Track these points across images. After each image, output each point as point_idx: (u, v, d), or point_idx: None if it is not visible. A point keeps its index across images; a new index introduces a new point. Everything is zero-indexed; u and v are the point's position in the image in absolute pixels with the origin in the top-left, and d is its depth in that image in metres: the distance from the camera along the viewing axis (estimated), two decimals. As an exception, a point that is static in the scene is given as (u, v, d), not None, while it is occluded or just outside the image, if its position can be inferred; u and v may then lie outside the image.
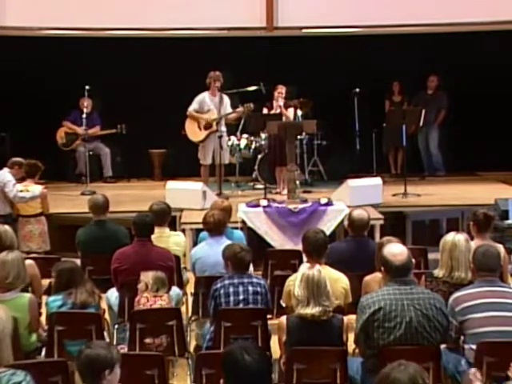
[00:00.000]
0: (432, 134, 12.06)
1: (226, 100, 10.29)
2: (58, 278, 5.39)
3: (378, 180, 9.72)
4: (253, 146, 11.18)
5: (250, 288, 5.38)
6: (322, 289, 4.65)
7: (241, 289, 5.37)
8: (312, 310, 4.61)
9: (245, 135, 11.24)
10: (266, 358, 3.37)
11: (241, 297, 5.34)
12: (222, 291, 5.35)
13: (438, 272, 5.24)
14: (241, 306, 5.33)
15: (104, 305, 6.11)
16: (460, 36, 11.50)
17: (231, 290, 5.36)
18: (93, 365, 3.57)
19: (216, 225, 6.34)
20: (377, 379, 3.22)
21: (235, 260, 5.46)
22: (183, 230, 8.38)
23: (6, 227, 6.13)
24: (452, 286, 5.10)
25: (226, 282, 5.39)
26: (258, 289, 5.40)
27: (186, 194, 9.27)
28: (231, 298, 5.34)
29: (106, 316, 5.97)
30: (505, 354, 4.44)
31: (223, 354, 3.39)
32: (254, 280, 5.47)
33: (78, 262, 6.53)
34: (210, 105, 10.20)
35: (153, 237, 6.23)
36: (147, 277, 5.51)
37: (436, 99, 11.90)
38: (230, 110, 10.27)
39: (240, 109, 10.23)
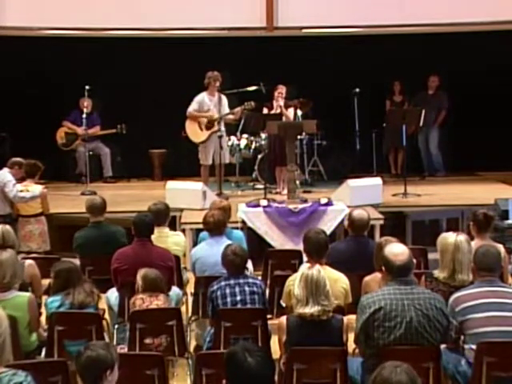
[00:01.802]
0: (432, 134, 12.06)
1: (225, 100, 10.29)
2: (56, 279, 5.38)
3: (378, 180, 9.71)
4: (253, 146, 11.19)
5: (247, 288, 5.39)
6: (321, 288, 4.65)
7: (237, 289, 5.37)
8: (311, 310, 4.61)
9: (245, 135, 11.24)
10: (269, 359, 3.36)
11: (238, 297, 5.35)
12: (218, 293, 5.36)
13: (439, 273, 5.22)
14: (239, 306, 5.33)
15: (104, 305, 6.11)
16: (460, 36, 11.49)
17: (228, 291, 5.36)
18: (95, 366, 3.58)
19: (216, 225, 6.35)
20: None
21: (227, 262, 5.49)
22: (183, 230, 8.39)
23: (8, 227, 6.13)
24: (452, 286, 5.09)
25: (223, 283, 5.40)
26: (255, 289, 5.41)
27: (186, 194, 9.27)
28: (228, 299, 5.34)
29: (106, 316, 5.97)
30: (505, 354, 4.45)
31: (226, 354, 3.38)
32: (250, 280, 5.48)
33: (78, 262, 6.55)
34: (210, 105, 10.20)
35: (152, 237, 6.23)
36: (139, 276, 5.47)
37: (436, 99, 11.89)
38: (227, 110, 10.26)
39: (237, 109, 10.23)
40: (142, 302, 5.38)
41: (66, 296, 5.25)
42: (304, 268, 5.04)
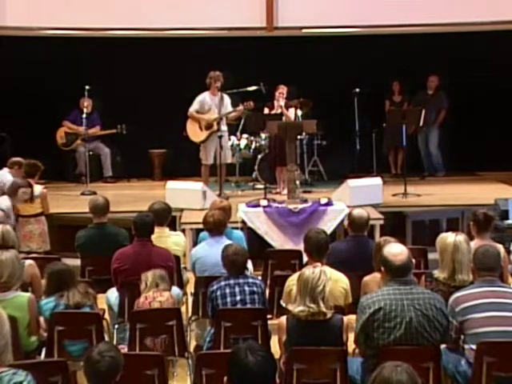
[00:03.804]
0: (432, 134, 12.06)
1: (227, 99, 10.29)
2: (49, 281, 5.34)
3: (378, 180, 9.71)
4: (253, 146, 11.20)
5: (247, 288, 5.38)
6: (319, 288, 4.61)
7: (237, 289, 5.37)
8: (305, 309, 4.59)
9: (245, 135, 11.26)
10: (271, 359, 3.36)
11: (238, 297, 5.34)
12: (218, 293, 5.35)
13: (439, 274, 5.22)
14: (238, 306, 5.33)
15: (104, 305, 6.11)
16: (460, 36, 11.49)
17: (228, 291, 5.36)
18: (114, 370, 3.65)
19: (216, 225, 6.35)
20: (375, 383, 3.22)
21: (228, 262, 5.48)
22: (183, 230, 8.39)
23: (8, 227, 6.13)
24: (452, 286, 5.09)
25: (222, 283, 5.40)
26: (255, 288, 5.41)
27: (186, 194, 9.27)
28: (228, 299, 5.33)
29: (106, 316, 5.97)
30: (505, 354, 4.46)
31: (230, 352, 3.39)
32: (250, 280, 5.47)
33: (78, 262, 6.55)
34: (211, 104, 10.20)
35: (153, 237, 6.23)
36: (146, 276, 5.50)
37: (436, 99, 11.90)
38: (230, 109, 10.26)
39: (240, 107, 10.22)
40: (145, 299, 5.38)
41: (60, 297, 5.22)
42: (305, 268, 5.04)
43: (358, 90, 11.26)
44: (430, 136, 12.07)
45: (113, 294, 6.03)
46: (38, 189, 8.27)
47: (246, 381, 3.26)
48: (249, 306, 5.34)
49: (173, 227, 7.92)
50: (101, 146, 11.98)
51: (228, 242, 6.05)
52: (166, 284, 5.52)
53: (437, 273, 5.25)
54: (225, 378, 3.33)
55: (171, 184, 9.69)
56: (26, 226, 8.10)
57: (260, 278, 6.29)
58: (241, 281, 5.40)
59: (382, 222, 8.72)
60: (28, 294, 5.29)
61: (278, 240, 8.44)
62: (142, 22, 10.95)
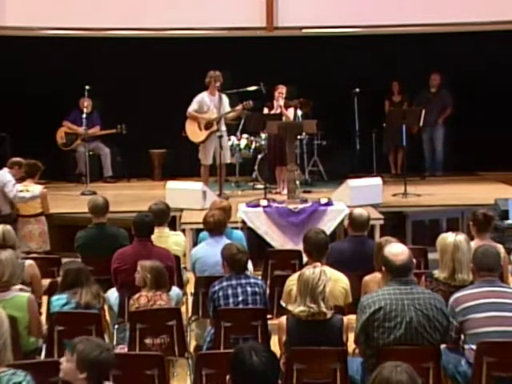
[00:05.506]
0: (437, 132, 12.05)
1: (225, 99, 10.28)
2: (65, 277, 5.37)
3: (378, 180, 9.71)
4: (253, 146, 11.20)
5: (249, 289, 5.37)
6: (319, 289, 4.60)
7: (239, 290, 5.35)
8: (306, 310, 4.59)
9: (245, 135, 11.26)
10: (275, 359, 3.36)
11: (240, 298, 5.34)
12: (220, 293, 5.34)
13: (439, 274, 5.22)
14: (240, 307, 5.32)
15: (104, 305, 6.11)
16: (460, 36, 11.49)
17: (230, 291, 5.34)
18: (111, 366, 3.67)
19: (216, 225, 6.35)
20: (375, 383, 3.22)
21: (232, 261, 5.46)
22: (183, 230, 8.39)
23: (8, 227, 6.13)
24: (453, 286, 5.09)
25: (224, 283, 5.38)
26: (257, 289, 5.40)
27: (186, 194, 9.28)
28: (230, 300, 5.32)
29: (106, 316, 5.97)
30: (505, 354, 4.45)
31: (232, 352, 3.39)
32: (252, 280, 5.46)
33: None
34: (210, 104, 10.19)
35: (153, 237, 6.23)
36: (145, 269, 5.48)
37: (439, 97, 11.90)
38: (229, 109, 10.26)
39: (239, 107, 10.22)
40: (147, 300, 5.36)
41: (73, 295, 5.25)
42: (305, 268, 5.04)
43: (357, 89, 11.26)
44: (435, 134, 12.05)
45: (113, 294, 6.03)
46: (37, 189, 8.27)
47: (251, 381, 3.25)
48: (251, 306, 5.33)
49: (173, 227, 7.92)
50: (101, 146, 11.98)
51: (228, 242, 6.04)
52: (165, 281, 5.50)
53: (437, 273, 5.25)
54: (227, 378, 3.33)
55: (171, 184, 9.69)
56: (25, 226, 8.11)
57: (260, 278, 6.29)
58: (243, 281, 5.39)
59: (382, 221, 8.72)
60: (28, 294, 5.29)
61: (278, 240, 8.44)
62: (142, 22, 10.96)
